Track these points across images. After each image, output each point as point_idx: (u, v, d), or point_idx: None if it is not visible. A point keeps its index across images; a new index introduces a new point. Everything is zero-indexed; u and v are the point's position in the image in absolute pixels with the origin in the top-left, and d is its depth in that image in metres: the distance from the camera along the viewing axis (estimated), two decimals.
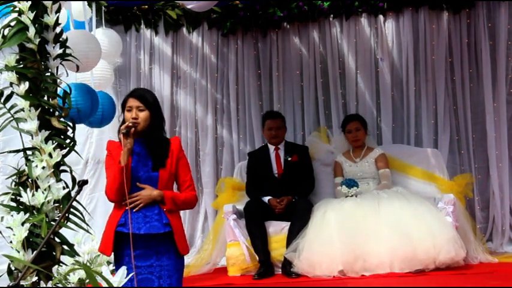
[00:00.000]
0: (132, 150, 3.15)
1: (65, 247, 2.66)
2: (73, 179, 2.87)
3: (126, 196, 3.09)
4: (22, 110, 2.78)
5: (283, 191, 5.50)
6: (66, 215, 2.68)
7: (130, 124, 3.14)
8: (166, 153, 3.23)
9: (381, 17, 6.29)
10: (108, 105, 4.81)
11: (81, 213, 2.75)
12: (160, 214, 3.17)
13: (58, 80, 2.92)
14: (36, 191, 2.68)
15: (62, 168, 2.84)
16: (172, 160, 3.23)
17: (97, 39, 4.53)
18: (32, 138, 2.77)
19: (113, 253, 3.13)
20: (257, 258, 5.23)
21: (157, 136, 3.26)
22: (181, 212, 3.38)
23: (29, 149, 2.79)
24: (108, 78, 5.09)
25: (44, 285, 2.53)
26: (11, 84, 2.81)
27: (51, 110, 2.86)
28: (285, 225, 5.33)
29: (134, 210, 3.13)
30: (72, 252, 2.64)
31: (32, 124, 2.75)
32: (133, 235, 3.11)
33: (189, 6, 5.09)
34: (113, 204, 3.24)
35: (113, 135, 5.96)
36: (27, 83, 2.79)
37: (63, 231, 2.71)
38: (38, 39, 2.82)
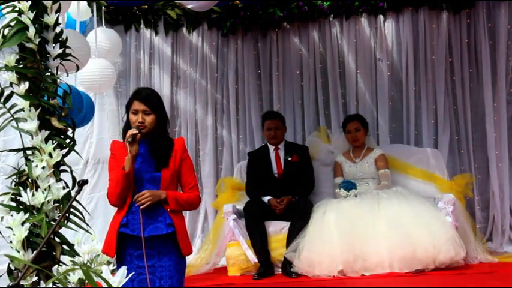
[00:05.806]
0: (136, 155, 3.15)
1: (65, 247, 2.66)
2: (73, 179, 2.87)
3: (133, 197, 3.13)
4: (22, 109, 2.78)
5: (283, 191, 5.49)
6: (66, 215, 2.68)
7: (135, 131, 3.12)
8: (169, 154, 3.21)
9: (380, 17, 6.29)
10: (90, 104, 4.76)
11: (81, 213, 2.75)
12: (164, 215, 3.17)
13: (58, 80, 2.92)
14: (36, 191, 2.68)
15: (62, 168, 2.84)
16: (176, 160, 3.22)
17: (85, 39, 4.51)
18: (32, 138, 2.77)
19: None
20: (255, 258, 5.23)
21: (162, 137, 3.25)
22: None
23: (29, 148, 2.79)
24: (110, 79, 5.08)
25: (44, 285, 2.53)
26: (11, 84, 2.80)
27: (51, 110, 2.85)
28: (285, 225, 5.33)
29: (141, 208, 3.11)
30: (72, 252, 2.64)
31: (32, 124, 2.75)
32: (136, 237, 3.12)
33: (189, 6, 5.09)
34: None
35: (112, 135, 5.97)
36: (27, 83, 2.79)
37: (63, 231, 2.71)
38: (38, 39, 2.82)
